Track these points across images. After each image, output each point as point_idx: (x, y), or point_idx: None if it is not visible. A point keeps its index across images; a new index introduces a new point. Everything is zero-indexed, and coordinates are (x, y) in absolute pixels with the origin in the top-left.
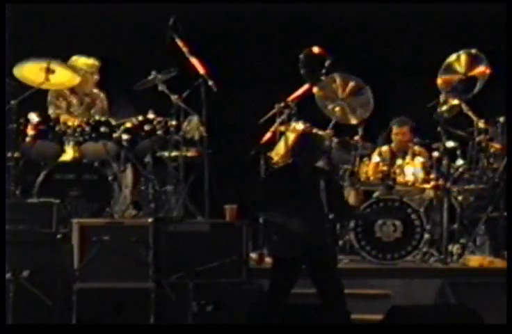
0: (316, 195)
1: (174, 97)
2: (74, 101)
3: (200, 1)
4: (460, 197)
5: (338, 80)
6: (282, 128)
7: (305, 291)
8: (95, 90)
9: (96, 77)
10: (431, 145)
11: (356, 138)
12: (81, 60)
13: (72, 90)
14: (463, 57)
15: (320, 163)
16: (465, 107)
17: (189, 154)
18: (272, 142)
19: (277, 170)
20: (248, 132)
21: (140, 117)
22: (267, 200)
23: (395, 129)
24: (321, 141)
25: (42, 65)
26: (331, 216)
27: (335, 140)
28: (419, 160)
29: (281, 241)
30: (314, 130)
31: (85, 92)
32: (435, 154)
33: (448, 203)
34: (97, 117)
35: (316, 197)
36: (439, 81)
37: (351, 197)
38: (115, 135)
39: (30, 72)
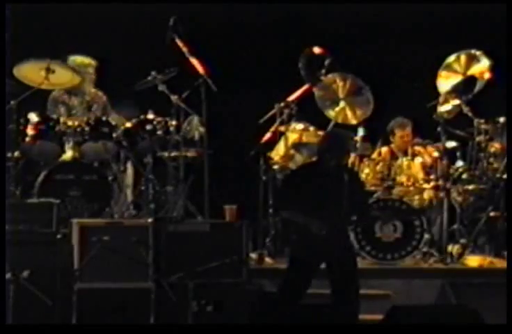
0: (340, 194)
1: (174, 97)
2: (76, 102)
3: (200, 1)
4: (460, 198)
5: (338, 80)
6: (282, 128)
7: (307, 292)
8: (93, 90)
9: (93, 76)
10: (431, 146)
11: (356, 138)
12: (77, 60)
13: (71, 93)
14: (463, 57)
15: None
16: (465, 107)
17: (189, 154)
18: (272, 142)
19: (302, 167)
20: (248, 132)
21: (140, 117)
22: (290, 199)
23: (399, 132)
24: (348, 139)
25: (42, 65)
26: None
27: None
28: (419, 160)
29: (301, 240)
30: (311, 128)
31: (84, 91)
32: (435, 154)
33: (448, 203)
34: (98, 116)
35: (340, 197)
36: (439, 81)
37: None
38: (115, 135)
39: (30, 71)
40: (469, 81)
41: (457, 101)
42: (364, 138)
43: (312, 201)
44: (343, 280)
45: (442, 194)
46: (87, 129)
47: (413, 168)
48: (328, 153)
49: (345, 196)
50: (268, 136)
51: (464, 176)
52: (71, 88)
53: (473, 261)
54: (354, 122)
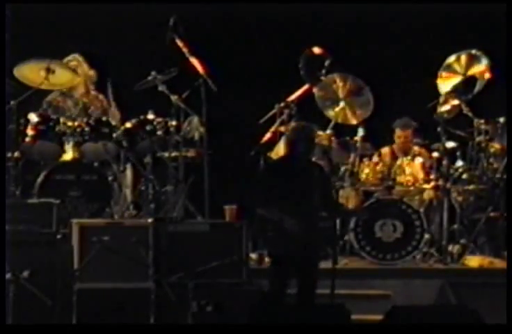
0: (311, 190)
1: (174, 98)
2: (70, 104)
3: (200, 1)
4: (460, 198)
5: (338, 80)
6: (282, 128)
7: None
8: (94, 93)
9: (91, 73)
10: (431, 146)
11: (356, 138)
12: (72, 59)
13: (66, 95)
14: (463, 57)
15: (320, 163)
16: (465, 107)
17: (189, 154)
18: (272, 143)
19: (274, 163)
20: (248, 132)
21: (140, 118)
22: (265, 195)
23: (398, 132)
24: (313, 133)
25: (42, 65)
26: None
27: (335, 140)
28: (419, 160)
29: (276, 238)
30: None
31: (81, 93)
32: (435, 154)
33: (448, 203)
34: (97, 117)
35: (311, 193)
36: (439, 81)
37: (351, 197)
38: (114, 135)
39: (30, 72)
40: (469, 81)
41: (457, 101)
42: (364, 138)
43: (285, 196)
44: (306, 280)
45: (442, 194)
46: (87, 129)
47: (413, 168)
48: (296, 147)
49: (316, 191)
50: (268, 136)
51: (464, 176)
52: (68, 89)
53: (473, 261)
54: (354, 122)
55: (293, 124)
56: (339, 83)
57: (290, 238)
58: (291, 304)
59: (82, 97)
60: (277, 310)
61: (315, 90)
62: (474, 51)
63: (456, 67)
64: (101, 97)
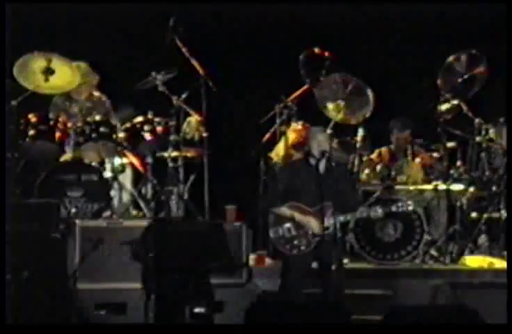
0: (326, 189)
1: (174, 98)
2: (76, 109)
3: (200, 1)
4: (460, 198)
5: (338, 80)
6: (282, 128)
7: (306, 291)
8: (96, 93)
9: (95, 81)
10: (431, 146)
11: (356, 138)
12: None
13: (72, 100)
14: (463, 57)
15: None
16: (464, 107)
17: (189, 154)
18: (272, 143)
19: (290, 164)
20: (248, 132)
21: (140, 118)
22: (282, 196)
23: (396, 134)
24: (326, 136)
25: (42, 63)
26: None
27: (335, 140)
28: (418, 160)
29: (294, 238)
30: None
31: (85, 96)
32: (435, 154)
33: (448, 203)
34: (97, 118)
35: (325, 192)
36: (439, 81)
37: None
38: (115, 135)
39: (30, 72)
40: (469, 81)
41: (457, 101)
42: (364, 138)
43: (303, 197)
44: (332, 280)
45: (442, 194)
46: (87, 129)
47: (413, 168)
48: (314, 149)
49: (330, 191)
50: (268, 136)
51: (464, 176)
52: (72, 92)
53: (473, 261)
54: (354, 122)
55: (297, 126)
56: (339, 83)
57: (309, 238)
58: (292, 304)
59: (86, 102)
60: (279, 310)
61: (315, 90)
62: (474, 51)
63: (456, 67)
64: (103, 97)
